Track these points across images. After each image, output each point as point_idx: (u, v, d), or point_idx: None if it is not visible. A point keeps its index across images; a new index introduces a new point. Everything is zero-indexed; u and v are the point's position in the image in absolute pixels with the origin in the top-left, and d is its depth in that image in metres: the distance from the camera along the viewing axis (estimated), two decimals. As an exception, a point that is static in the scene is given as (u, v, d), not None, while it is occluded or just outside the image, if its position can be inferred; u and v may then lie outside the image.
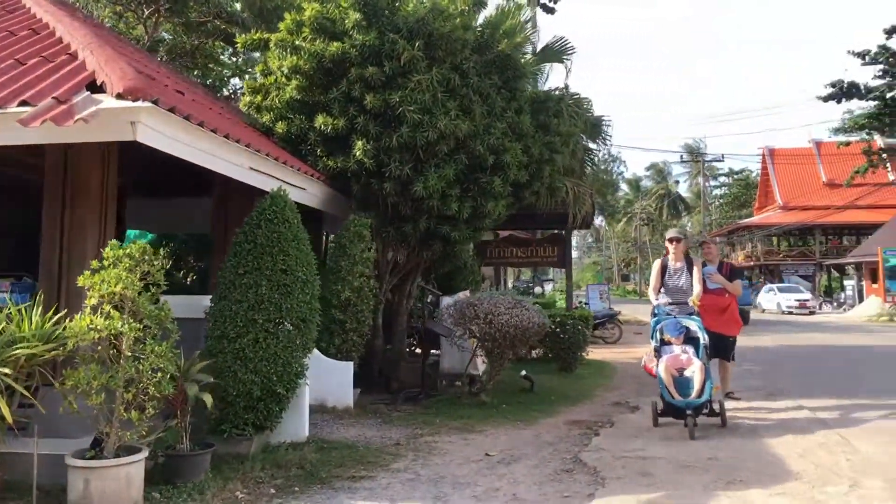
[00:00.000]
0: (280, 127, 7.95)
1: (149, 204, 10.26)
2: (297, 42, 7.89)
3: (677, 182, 69.39)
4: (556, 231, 13.08)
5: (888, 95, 30.37)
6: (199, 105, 6.25)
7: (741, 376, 9.91)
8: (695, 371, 5.88)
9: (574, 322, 9.91)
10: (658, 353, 6.22)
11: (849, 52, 34.80)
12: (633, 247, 74.33)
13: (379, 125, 7.67)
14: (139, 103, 4.23)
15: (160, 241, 13.24)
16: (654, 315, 6.62)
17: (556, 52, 11.48)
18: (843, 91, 34.93)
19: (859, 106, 34.94)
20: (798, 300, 31.63)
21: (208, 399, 4.57)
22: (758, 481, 4.35)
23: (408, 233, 8.08)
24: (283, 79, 8.03)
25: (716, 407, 6.02)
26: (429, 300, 8.82)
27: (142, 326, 4.18)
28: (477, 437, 5.85)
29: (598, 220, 69.96)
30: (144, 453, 4.21)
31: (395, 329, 9.03)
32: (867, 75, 37.69)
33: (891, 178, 34.47)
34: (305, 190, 7.25)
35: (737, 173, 66.15)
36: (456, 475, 4.65)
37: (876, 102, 33.25)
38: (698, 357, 6.02)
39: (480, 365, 7.72)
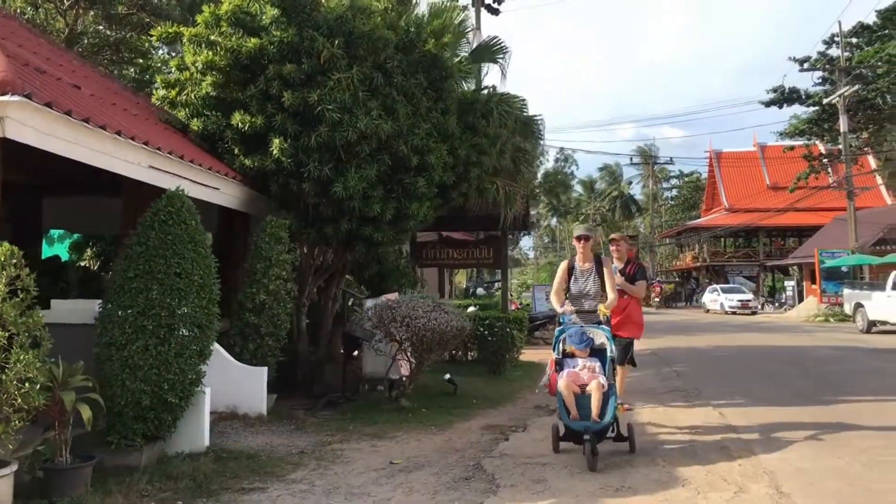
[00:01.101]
0: (195, 124, 7.71)
1: (74, 203, 9.92)
2: (212, 37, 7.66)
3: (630, 183, 70.55)
4: (494, 233, 13.06)
5: (825, 101, 31.30)
6: (97, 100, 5.97)
7: (668, 377, 10.04)
8: (593, 390, 5.09)
9: (504, 324, 9.86)
10: (559, 366, 5.44)
11: (790, 58, 35.89)
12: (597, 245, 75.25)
13: (298, 124, 7.50)
14: (7, 97, 4.00)
15: (87, 241, 12.80)
16: (560, 324, 5.78)
17: (490, 52, 11.43)
18: (785, 97, 36.00)
19: (804, 111, 36.07)
20: (740, 300, 32.44)
21: (85, 410, 4.34)
22: (646, 488, 4.32)
23: (329, 234, 7.94)
24: (199, 74, 7.79)
25: (624, 430, 5.33)
26: (350, 303, 8.69)
27: (7, 335, 3.94)
28: (387, 443, 5.73)
29: (553, 221, 70.83)
30: (13, 467, 3.97)
31: (320, 332, 8.87)
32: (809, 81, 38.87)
33: (831, 181, 35.53)
34: (219, 190, 7.03)
35: (687, 176, 67.69)
36: (352, 485, 4.53)
37: (815, 108, 34.34)
38: (605, 372, 5.31)
39: (403, 369, 7.60)
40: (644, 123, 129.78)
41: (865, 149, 37.07)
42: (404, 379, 7.43)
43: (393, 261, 10.42)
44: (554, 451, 5.26)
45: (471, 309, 13.60)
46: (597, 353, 5.50)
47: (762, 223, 40.24)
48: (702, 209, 54.57)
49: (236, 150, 7.65)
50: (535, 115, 12.36)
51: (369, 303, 7.92)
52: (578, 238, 6.10)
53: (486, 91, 10.26)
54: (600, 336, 5.54)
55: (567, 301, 5.90)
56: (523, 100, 11.41)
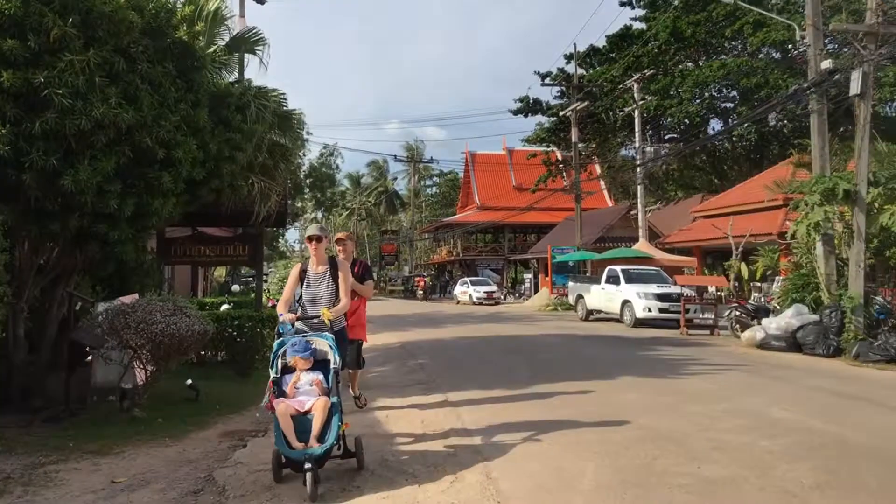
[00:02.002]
0: None
1: None
2: None
3: (395, 180, 72.81)
4: (251, 229, 12.76)
5: (561, 114, 35.19)
6: None
7: (413, 370, 10.71)
8: (316, 410, 4.70)
9: (254, 324, 9.74)
10: (277, 386, 4.96)
11: (535, 72, 39.69)
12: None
13: (19, 108, 6.68)
14: None
15: None
16: (279, 335, 5.23)
17: (248, 43, 11.17)
18: (529, 107, 39.85)
19: (547, 120, 40.16)
20: (486, 292, 35.41)
21: None
22: (373, 486, 4.66)
23: (56, 232, 7.21)
24: None
25: (351, 446, 4.99)
26: (78, 307, 7.97)
27: None
28: (112, 460, 5.41)
29: (319, 214, 70.53)
30: None
31: (42, 340, 8.02)
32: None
33: (565, 184, 40.04)
34: None
35: (446, 174, 71.65)
36: (64, 511, 4.25)
37: (553, 119, 38.47)
38: (328, 383, 4.95)
39: (139, 377, 7.19)
40: (409, 123, 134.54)
41: (593, 157, 42.40)
42: (139, 388, 7.04)
43: (134, 260, 9.73)
44: (276, 480, 4.73)
45: (224, 307, 13.18)
46: (320, 364, 5.10)
47: (508, 220, 44.12)
48: (458, 206, 58.25)
49: (-58, 134, 6.61)
50: (295, 110, 12.34)
51: (101, 307, 7.35)
52: (310, 239, 5.61)
53: (239, 84, 10.02)
54: (323, 345, 5.16)
55: (299, 308, 5.55)
56: (283, 94, 11.32)
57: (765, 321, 13.99)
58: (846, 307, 12.47)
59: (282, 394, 4.91)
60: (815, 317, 13.06)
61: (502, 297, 37.96)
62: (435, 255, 60.81)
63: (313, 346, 5.12)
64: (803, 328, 12.96)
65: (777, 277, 19.32)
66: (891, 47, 12.60)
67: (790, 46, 29.71)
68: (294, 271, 5.76)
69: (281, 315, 5.26)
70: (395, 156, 62.56)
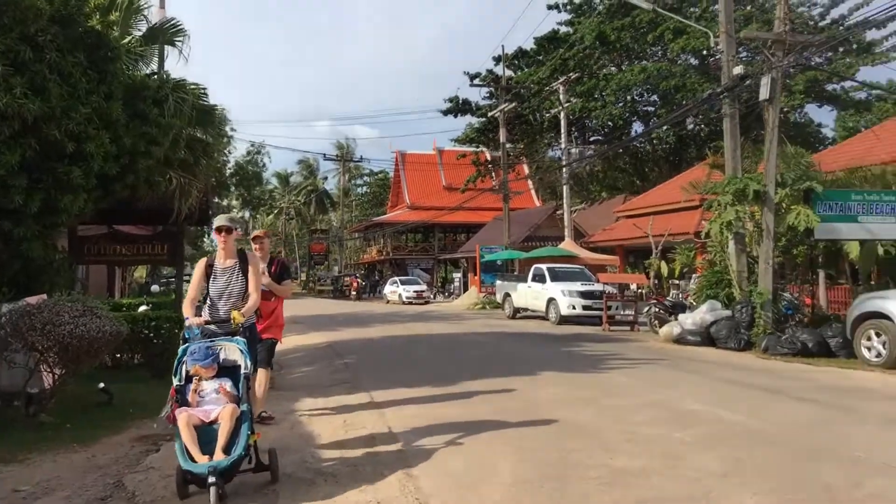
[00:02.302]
0: None
1: None
2: None
3: (325, 179, 71.94)
4: (171, 227, 12.35)
5: (489, 114, 35.59)
6: None
7: (338, 370, 10.61)
8: (222, 419, 4.34)
9: (172, 325, 9.45)
10: (180, 395, 4.54)
11: (465, 72, 39.98)
12: (280, 240, 74.90)
13: (-89, 96, 6.29)
14: None
15: None
16: (185, 340, 4.82)
17: (166, 34, 10.81)
18: (459, 107, 40.10)
19: (477, 121, 40.50)
20: (416, 291, 35.44)
21: None
22: (291, 491, 4.55)
23: (-48, 228, 6.80)
24: None
25: (264, 458, 4.61)
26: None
27: None
28: (15, 468, 5.13)
29: (246, 213, 68.92)
30: None
31: (-61, 341, 7.54)
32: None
33: (494, 184, 40.53)
34: None
35: (377, 174, 71.32)
36: (-42, 524, 4.02)
37: (482, 119, 38.87)
38: (238, 390, 4.60)
39: (46, 381, 6.84)
40: (338, 121, 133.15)
41: (521, 158, 43.09)
42: (46, 392, 6.71)
43: (42, 258, 9.26)
44: (180, 497, 4.28)
45: (142, 308, 12.70)
46: (227, 369, 4.72)
47: (438, 220, 44.29)
48: (388, 206, 58.07)
49: None
50: (216, 106, 12.03)
51: (5, 307, 6.96)
52: (219, 230, 5.22)
53: (156, 77, 9.69)
54: (233, 350, 4.76)
55: (204, 309, 5.19)
56: (203, 88, 11.01)
57: (681, 317, 14.57)
58: (756, 303, 13.12)
59: (185, 403, 4.52)
60: (728, 312, 13.68)
61: (432, 296, 38.08)
62: (365, 255, 60.45)
63: (219, 350, 4.74)
64: (716, 323, 13.56)
65: (693, 275, 20.16)
66: (797, 55, 13.33)
67: (705, 53, 31.04)
68: (199, 266, 5.29)
69: (187, 319, 4.87)
70: (325, 154, 62.08)
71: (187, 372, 4.64)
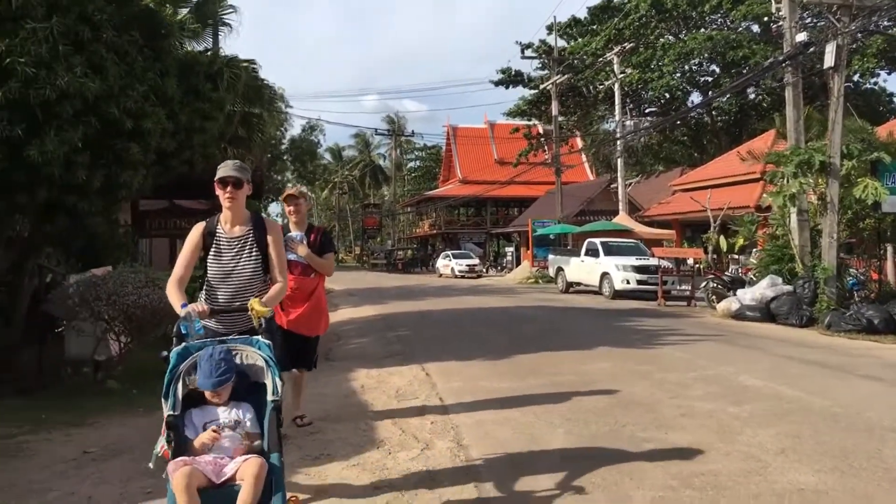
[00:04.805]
0: None
1: None
2: None
3: (380, 154, 72.42)
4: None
5: (541, 87, 34.99)
6: None
7: (391, 342, 10.73)
8: (244, 478, 2.81)
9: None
10: (176, 432, 2.98)
11: (516, 42, 39.29)
12: (334, 214, 76.01)
13: (-20, 77, 6.55)
14: None
15: None
16: (179, 339, 3.19)
17: (215, 10, 10.95)
18: (511, 78, 39.51)
19: (530, 93, 39.87)
20: (468, 265, 35.48)
21: None
22: (343, 454, 4.69)
23: (23, 204, 7.10)
24: None
25: None
26: (49, 280, 7.88)
27: None
28: (84, 431, 5.41)
29: (303, 188, 70.08)
30: None
31: (15, 313, 7.93)
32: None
33: (546, 158, 40.03)
34: None
35: (429, 148, 71.31)
36: (32, 481, 4.24)
37: (534, 91, 38.23)
38: (262, 431, 3.05)
39: (113, 349, 7.15)
40: (389, 96, 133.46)
41: (574, 131, 42.34)
42: (114, 360, 7.01)
43: (106, 232, 9.64)
44: None
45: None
46: (249, 389, 3.18)
47: (490, 194, 44.07)
48: (440, 180, 58.05)
49: None
50: (267, 80, 12.20)
51: (73, 279, 7.29)
52: (223, 182, 3.54)
53: (209, 53, 9.86)
54: (255, 358, 3.20)
55: (200, 295, 3.61)
56: (254, 64, 11.18)
57: (740, 292, 14.17)
58: (819, 278, 12.65)
59: (183, 447, 2.95)
60: (789, 287, 13.24)
61: (484, 270, 38.07)
62: (417, 229, 60.75)
63: (237, 358, 3.17)
64: (777, 299, 13.14)
65: (754, 249, 19.54)
66: (865, 20, 12.63)
67: (766, 19, 29.71)
68: (194, 233, 3.63)
69: (184, 306, 3.18)
70: (377, 129, 61.99)
71: (187, 393, 3.08)
